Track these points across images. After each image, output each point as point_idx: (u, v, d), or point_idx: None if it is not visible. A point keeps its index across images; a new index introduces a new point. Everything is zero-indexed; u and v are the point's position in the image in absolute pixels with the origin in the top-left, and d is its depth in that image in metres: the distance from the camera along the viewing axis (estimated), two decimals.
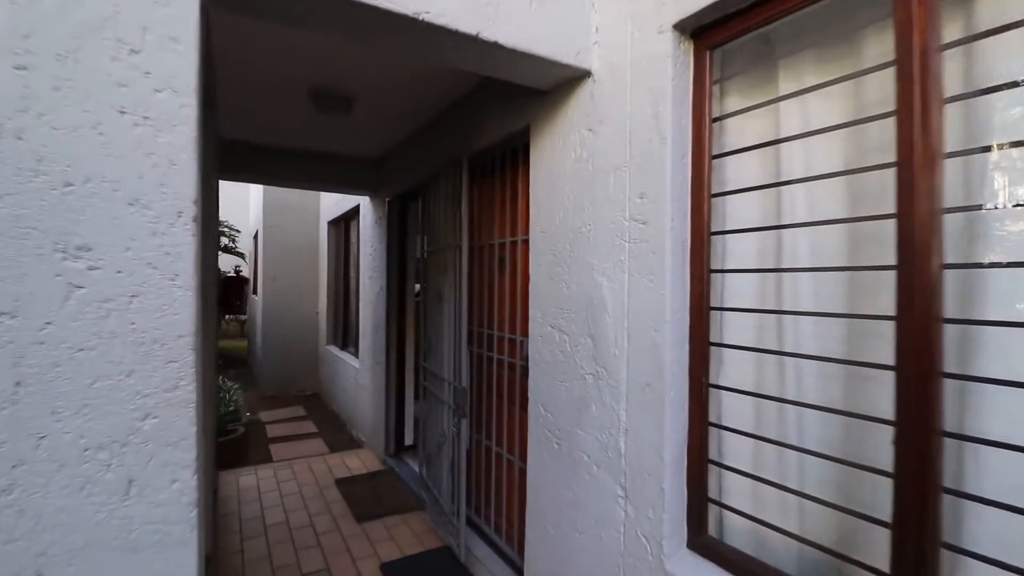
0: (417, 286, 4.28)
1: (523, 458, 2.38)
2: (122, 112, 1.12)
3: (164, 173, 1.18)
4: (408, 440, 4.24)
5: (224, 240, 8.43)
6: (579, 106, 1.88)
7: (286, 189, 6.67)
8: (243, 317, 10.10)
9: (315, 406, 6.15)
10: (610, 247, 1.72)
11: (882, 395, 1.15)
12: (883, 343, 1.14)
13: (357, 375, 4.97)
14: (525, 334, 2.34)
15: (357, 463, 4.17)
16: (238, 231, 8.77)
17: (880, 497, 1.14)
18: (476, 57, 1.73)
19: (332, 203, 6.20)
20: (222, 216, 8.40)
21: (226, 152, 3.68)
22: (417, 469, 3.58)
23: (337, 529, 3.07)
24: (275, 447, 4.57)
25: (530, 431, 2.17)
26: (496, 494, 2.70)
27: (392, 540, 2.96)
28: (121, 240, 1.12)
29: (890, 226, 1.11)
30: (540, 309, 2.10)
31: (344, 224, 6.13)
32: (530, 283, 2.17)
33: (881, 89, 1.19)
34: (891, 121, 1.11)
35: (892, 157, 1.11)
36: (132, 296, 1.13)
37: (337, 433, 5.04)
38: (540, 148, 2.11)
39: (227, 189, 10.21)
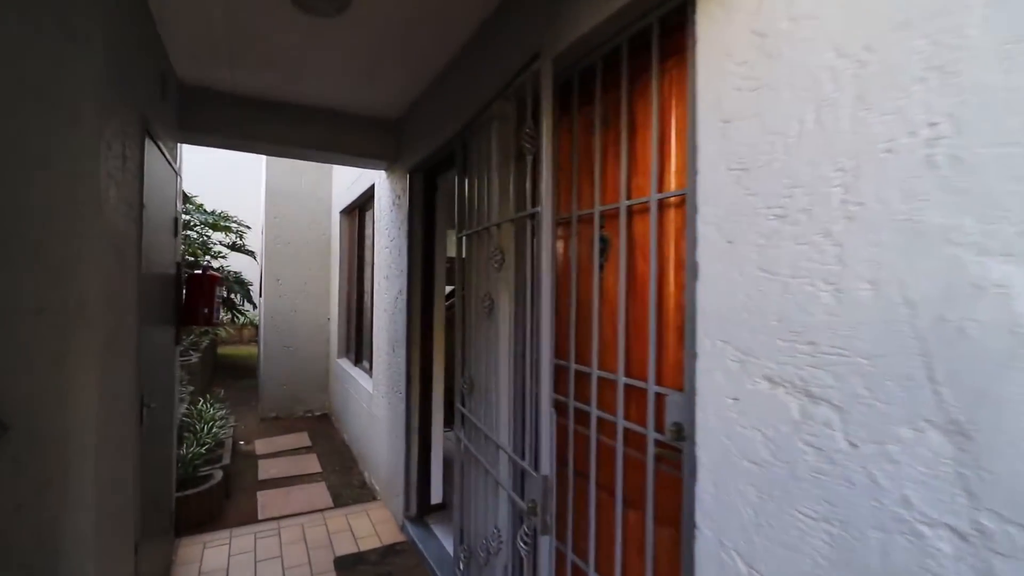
0: (448, 288, 3.18)
1: None
2: None
3: None
4: (436, 496, 3.14)
5: (232, 236, 7.52)
6: None
7: (292, 174, 5.68)
8: (248, 322, 9.21)
9: (323, 433, 5.11)
10: None
11: None
12: None
13: (371, 402, 3.90)
14: (670, 382, 1.20)
15: (367, 528, 3.09)
16: (247, 227, 7.84)
17: None
18: None
19: (344, 188, 5.16)
20: (231, 210, 7.54)
21: (186, 103, 2.65)
22: (451, 551, 2.48)
23: None
24: (264, 496, 3.53)
25: None
26: None
27: None
28: None
29: None
30: (729, 337, 0.96)
31: (358, 213, 5.09)
32: (699, 281, 1.04)
33: None
34: None
35: None
36: None
37: (346, 475, 3.98)
38: None
39: (236, 179, 9.35)
